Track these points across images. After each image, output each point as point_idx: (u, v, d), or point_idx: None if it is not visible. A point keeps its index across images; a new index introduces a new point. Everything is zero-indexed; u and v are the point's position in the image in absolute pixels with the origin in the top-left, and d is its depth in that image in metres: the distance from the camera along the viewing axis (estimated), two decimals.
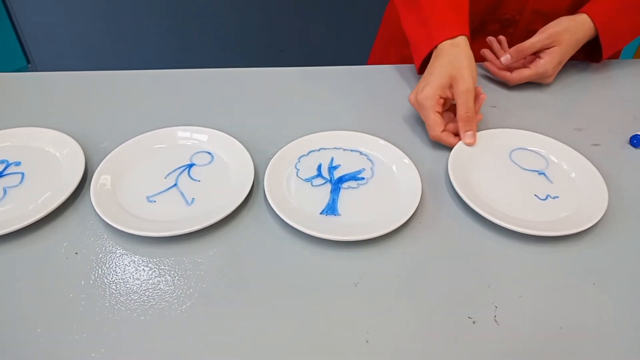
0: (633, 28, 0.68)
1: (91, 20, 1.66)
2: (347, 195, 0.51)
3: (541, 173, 0.55)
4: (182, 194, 0.50)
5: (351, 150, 0.57)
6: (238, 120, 0.62)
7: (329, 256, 0.45)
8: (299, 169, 0.54)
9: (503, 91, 0.70)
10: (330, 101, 0.67)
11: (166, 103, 0.65)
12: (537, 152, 0.58)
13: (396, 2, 0.70)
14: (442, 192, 0.53)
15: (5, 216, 0.47)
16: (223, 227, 0.47)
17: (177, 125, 0.59)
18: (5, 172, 0.52)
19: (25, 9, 1.62)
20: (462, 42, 0.60)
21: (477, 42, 0.73)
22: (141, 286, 0.42)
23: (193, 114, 0.63)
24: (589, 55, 0.72)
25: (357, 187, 0.52)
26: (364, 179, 0.53)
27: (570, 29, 0.65)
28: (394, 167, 0.54)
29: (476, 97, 0.58)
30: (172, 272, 0.43)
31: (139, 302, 0.41)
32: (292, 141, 0.56)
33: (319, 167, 0.54)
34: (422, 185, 0.51)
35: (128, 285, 0.42)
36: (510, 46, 0.70)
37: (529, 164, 0.56)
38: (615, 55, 0.79)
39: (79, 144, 0.55)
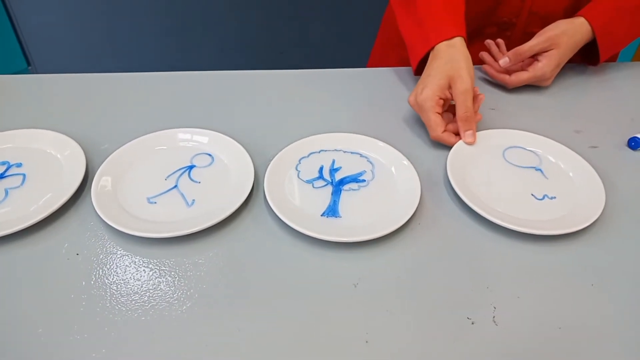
0: (630, 31, 0.69)
1: (91, 22, 1.67)
2: (348, 197, 0.51)
3: (537, 169, 0.55)
4: (182, 195, 0.51)
5: (352, 153, 0.57)
6: (238, 122, 0.62)
7: (329, 257, 0.45)
8: (300, 171, 0.54)
9: (502, 94, 0.71)
10: (330, 103, 0.67)
11: (167, 105, 0.66)
12: (533, 152, 0.58)
13: (393, 4, 0.70)
14: (440, 193, 0.53)
15: (7, 217, 0.47)
16: (223, 228, 0.48)
17: (177, 127, 0.59)
18: (6, 174, 0.52)
19: (25, 11, 1.63)
20: (458, 42, 0.61)
21: (475, 45, 0.74)
22: (142, 287, 0.42)
23: (193, 116, 0.63)
24: (587, 58, 0.73)
25: (357, 189, 0.52)
26: (364, 181, 0.53)
27: (568, 32, 0.66)
28: (393, 169, 0.55)
29: (474, 97, 0.59)
30: (172, 273, 0.43)
31: (139, 302, 0.41)
32: (292, 143, 0.56)
33: (321, 169, 0.54)
34: (420, 186, 0.51)
35: (129, 286, 0.42)
36: (508, 49, 0.70)
37: (525, 162, 0.57)
38: (613, 58, 0.80)
39: (80, 145, 0.55)
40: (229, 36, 1.75)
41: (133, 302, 0.41)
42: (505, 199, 0.51)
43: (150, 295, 0.42)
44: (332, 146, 0.58)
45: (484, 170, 0.55)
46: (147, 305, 0.41)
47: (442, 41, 0.61)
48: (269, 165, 0.53)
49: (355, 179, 0.53)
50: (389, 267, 0.45)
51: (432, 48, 0.62)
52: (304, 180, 0.53)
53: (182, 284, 0.43)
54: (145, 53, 1.77)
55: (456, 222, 0.49)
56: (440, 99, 0.58)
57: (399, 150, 0.56)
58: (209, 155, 0.56)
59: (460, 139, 0.58)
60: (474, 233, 0.48)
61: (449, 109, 0.61)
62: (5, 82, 0.70)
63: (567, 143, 0.59)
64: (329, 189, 0.52)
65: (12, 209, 0.48)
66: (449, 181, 0.52)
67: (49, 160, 0.54)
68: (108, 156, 0.54)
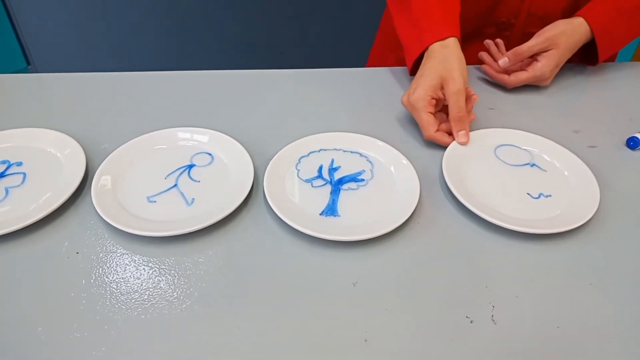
0: (629, 31, 0.69)
1: (91, 21, 1.67)
2: (347, 196, 0.51)
3: (533, 165, 0.56)
4: (182, 194, 0.51)
5: (351, 152, 0.57)
6: (238, 121, 0.62)
7: (328, 256, 0.45)
8: (299, 170, 0.54)
9: (501, 93, 0.71)
10: (329, 103, 0.67)
11: (166, 104, 0.66)
12: (527, 150, 0.59)
13: (389, 4, 0.71)
14: (439, 192, 0.53)
15: (7, 216, 0.47)
16: (223, 227, 0.48)
17: (177, 127, 0.59)
18: (7, 173, 0.53)
19: (25, 11, 1.63)
20: (452, 43, 0.61)
21: (474, 45, 0.74)
22: (141, 285, 0.42)
23: (193, 115, 0.63)
24: (586, 58, 0.73)
25: (356, 189, 0.52)
26: (363, 180, 0.53)
27: (567, 32, 0.66)
28: (392, 168, 0.55)
29: (468, 97, 0.59)
30: (172, 272, 0.44)
31: (139, 301, 0.41)
32: (291, 142, 0.57)
33: (320, 168, 0.55)
34: (420, 186, 0.51)
35: (128, 285, 0.42)
36: (507, 49, 0.71)
37: (520, 160, 0.57)
38: (612, 58, 0.80)
39: (80, 144, 0.55)
40: (229, 36, 1.75)
41: (133, 300, 0.41)
42: (502, 198, 0.51)
43: (150, 293, 0.42)
44: (332, 145, 0.58)
45: (480, 169, 0.55)
46: (147, 304, 0.41)
47: (436, 41, 0.61)
48: (268, 164, 0.53)
49: (354, 178, 0.54)
50: (388, 266, 0.45)
51: (427, 48, 0.62)
52: (303, 179, 0.53)
53: (182, 283, 0.43)
54: (145, 53, 1.77)
55: (455, 222, 0.50)
56: (433, 98, 0.58)
57: (398, 150, 0.56)
58: (209, 154, 0.56)
59: (454, 139, 0.58)
60: (473, 232, 0.48)
61: (442, 109, 0.61)
62: (5, 81, 0.70)
63: (565, 143, 0.59)
64: (328, 188, 0.52)
65: (12, 208, 0.48)
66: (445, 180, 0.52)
67: (49, 159, 0.55)
68: (108, 155, 0.54)
